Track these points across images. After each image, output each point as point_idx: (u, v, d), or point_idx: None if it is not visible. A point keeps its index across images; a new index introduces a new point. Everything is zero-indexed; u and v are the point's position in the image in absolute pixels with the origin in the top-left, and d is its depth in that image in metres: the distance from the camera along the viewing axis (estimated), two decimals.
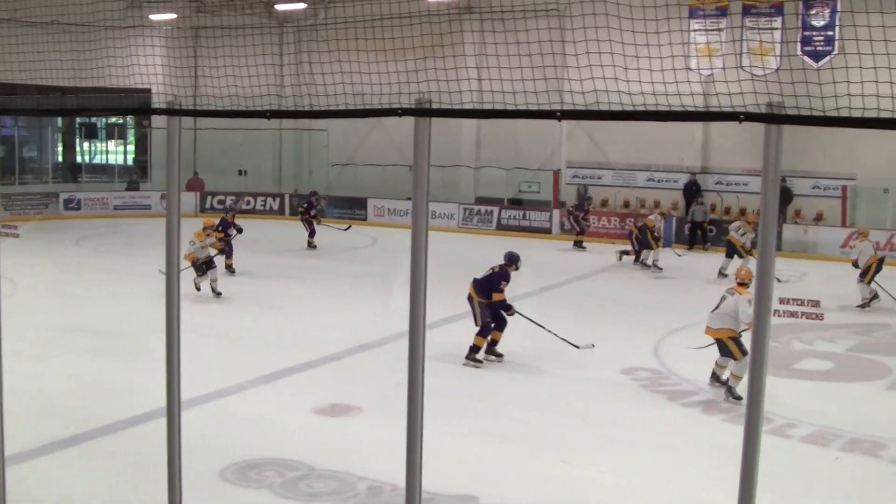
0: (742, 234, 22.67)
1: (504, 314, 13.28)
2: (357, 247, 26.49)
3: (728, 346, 11.48)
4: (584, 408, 11.18)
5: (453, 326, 14.51)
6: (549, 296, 19.05)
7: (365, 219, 33.03)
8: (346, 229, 26.44)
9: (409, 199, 5.68)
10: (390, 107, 5.27)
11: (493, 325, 13.22)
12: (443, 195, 31.45)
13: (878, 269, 19.20)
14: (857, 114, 4.45)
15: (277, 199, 35.36)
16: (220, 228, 19.74)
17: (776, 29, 27.58)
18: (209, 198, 34.36)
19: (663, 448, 9.80)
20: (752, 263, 22.08)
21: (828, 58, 26.48)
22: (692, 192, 30.36)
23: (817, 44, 27.06)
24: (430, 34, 9.31)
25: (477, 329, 13.23)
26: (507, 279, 13.33)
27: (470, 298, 13.39)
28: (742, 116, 4.56)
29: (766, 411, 10.08)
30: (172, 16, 32.83)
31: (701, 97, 6.13)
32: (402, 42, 8.31)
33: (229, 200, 32.67)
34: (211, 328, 14.92)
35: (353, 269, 22.97)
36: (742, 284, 11.58)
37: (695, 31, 27.50)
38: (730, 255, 22.45)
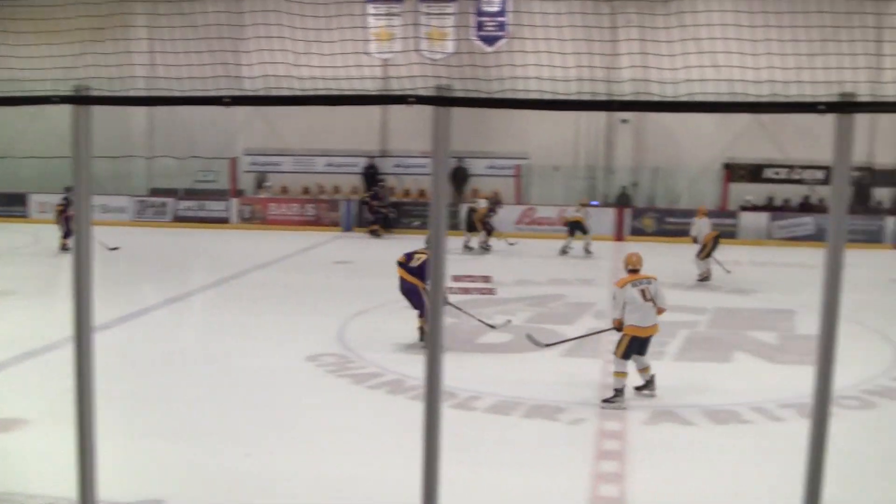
0: (577, 211, 24.87)
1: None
2: (16, 246, 24.94)
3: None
4: (268, 398, 10.98)
5: (125, 327, 14.02)
6: (230, 286, 18.71)
7: (25, 216, 31.25)
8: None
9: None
10: (46, 94, 4.92)
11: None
12: (113, 187, 30.25)
13: (714, 245, 20.30)
14: (522, 96, 4.55)
15: None
16: None
17: (451, 14, 28.34)
18: None
19: (351, 430, 9.78)
20: (593, 246, 22.35)
21: (500, 42, 27.51)
22: (371, 175, 30.83)
23: (490, 29, 28.05)
24: (95, 16, 8.79)
25: (418, 313, 13.45)
26: None
27: (411, 287, 13.47)
28: (411, 99, 4.56)
29: (450, 387, 10.36)
30: None
31: (379, 81, 6.12)
32: (62, 24, 7.80)
33: None
34: None
35: (13, 270, 21.07)
36: (635, 270, 11.00)
37: (372, 15, 27.79)
38: (571, 233, 24.70)
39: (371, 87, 5.46)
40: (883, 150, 29.92)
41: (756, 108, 4.28)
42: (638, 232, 28.52)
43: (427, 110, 4.49)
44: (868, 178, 30.20)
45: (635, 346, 10.71)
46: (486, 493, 8.09)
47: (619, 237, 28.18)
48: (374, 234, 28.37)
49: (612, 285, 11.00)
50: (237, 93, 5.29)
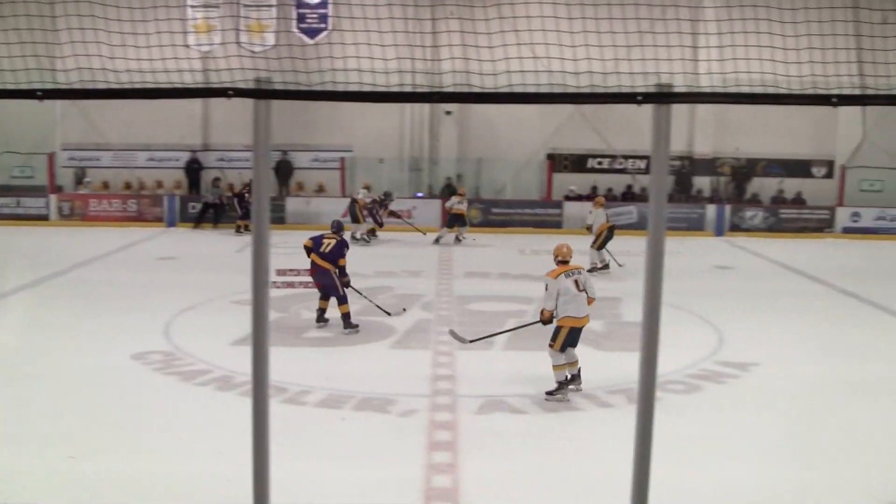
0: (461, 204, 25.44)
1: (340, 278, 14.13)
2: None
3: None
4: (93, 398, 10.60)
5: None
6: (50, 284, 18.00)
7: None
8: None
9: None
10: None
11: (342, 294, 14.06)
12: None
13: (609, 236, 20.35)
14: (343, 88, 4.48)
15: None
16: None
17: (272, 6, 27.98)
18: None
19: (179, 429, 9.54)
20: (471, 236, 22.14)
21: (322, 34, 27.31)
22: (193, 170, 30.26)
23: (311, 21, 27.81)
24: None
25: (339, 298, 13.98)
26: (348, 246, 14.54)
27: (322, 270, 14.03)
28: (230, 92, 4.46)
29: (280, 382, 10.23)
30: None
31: (199, 74, 5.95)
32: None
33: None
34: None
35: None
36: (564, 262, 10.90)
37: (191, 7, 27.16)
38: (451, 225, 25.36)
39: (190, 81, 5.31)
40: (702, 140, 31.10)
41: (576, 99, 4.32)
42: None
43: (249, 103, 4.39)
44: (688, 167, 31.29)
45: (571, 337, 10.68)
46: (319, 488, 7.99)
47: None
48: (244, 229, 27.29)
49: (543, 276, 10.88)
50: (51, 86, 5.08)
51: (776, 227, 29.68)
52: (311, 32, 27.59)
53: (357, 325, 14.06)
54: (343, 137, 30.39)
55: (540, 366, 12.01)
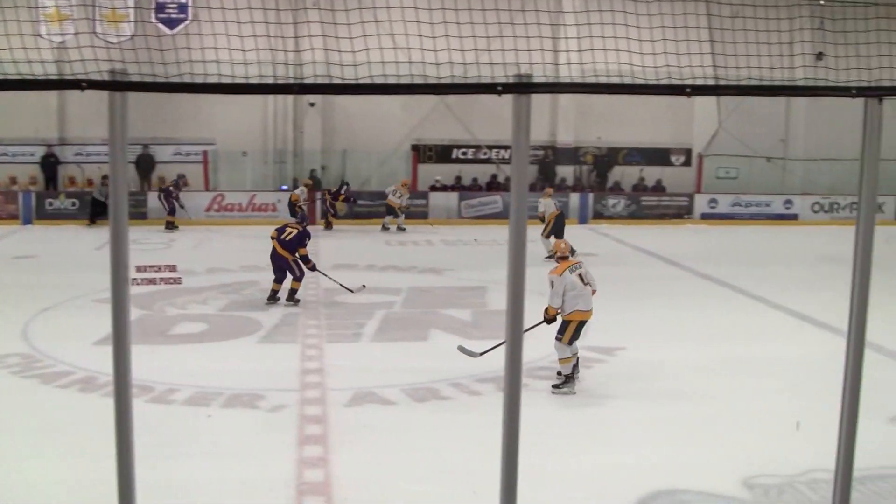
0: (399, 197, 26.74)
1: (304, 266, 15.42)
2: None
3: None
4: None
5: None
6: None
7: None
8: None
9: None
10: None
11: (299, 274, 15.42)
12: None
13: (559, 224, 21.05)
14: (202, 79, 4.41)
15: None
16: None
17: None
18: None
19: (41, 433, 9.25)
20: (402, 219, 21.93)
21: (181, 25, 26.80)
22: (50, 164, 29.39)
23: (171, 11, 27.26)
24: None
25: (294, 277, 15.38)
26: (310, 236, 15.72)
27: (282, 257, 15.22)
28: (84, 84, 4.34)
29: (145, 381, 10.04)
30: None
31: (52, 65, 5.76)
32: None
33: None
34: None
35: None
36: (565, 258, 10.95)
37: None
38: (391, 213, 26.83)
39: (41, 72, 5.14)
40: (565, 130, 31.59)
41: (437, 90, 4.34)
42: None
43: (107, 96, 4.29)
44: (551, 157, 31.75)
45: (579, 330, 10.72)
46: (188, 487, 7.85)
47: (311, 221, 28.05)
48: (171, 226, 26.92)
49: (548, 275, 10.81)
50: None
51: (638, 214, 30.39)
52: (171, 23, 27.02)
53: (299, 300, 15.40)
54: (206, 130, 29.86)
55: (410, 357, 12.06)
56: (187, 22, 26.64)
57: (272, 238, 15.35)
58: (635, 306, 15.72)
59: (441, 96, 25.73)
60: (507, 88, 4.12)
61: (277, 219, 27.25)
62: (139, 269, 14.02)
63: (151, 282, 14.12)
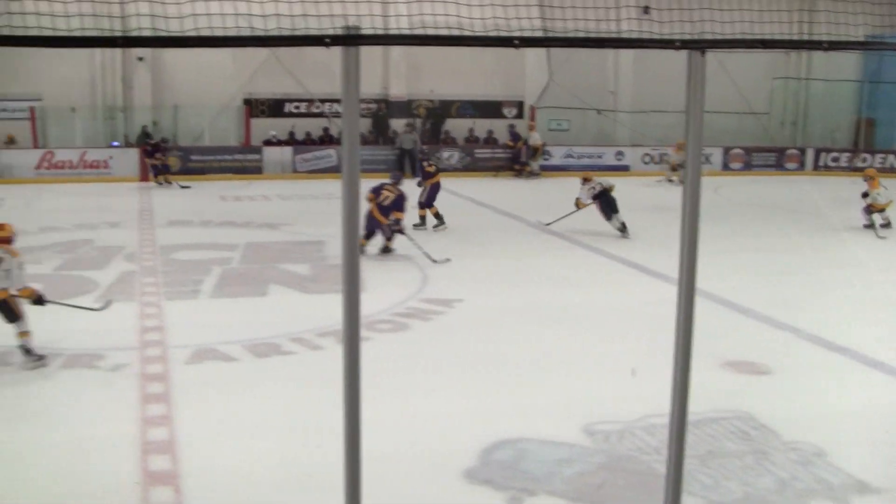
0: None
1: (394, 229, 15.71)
2: None
3: None
4: None
5: None
6: None
7: None
8: None
9: None
10: None
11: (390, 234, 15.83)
12: None
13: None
14: (21, 32, 4.24)
15: None
16: None
17: None
18: None
19: None
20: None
21: None
22: None
23: None
24: None
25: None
26: (407, 198, 15.98)
27: (376, 221, 15.49)
28: None
29: None
30: None
31: None
32: None
33: None
34: None
35: None
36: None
37: None
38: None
39: None
40: (397, 83, 31.58)
41: (265, 42, 4.29)
42: (164, 171, 27.78)
43: None
44: (384, 110, 31.72)
45: None
46: (28, 452, 7.64)
47: (143, 178, 27.34)
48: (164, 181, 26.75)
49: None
50: None
51: (472, 167, 30.67)
52: None
53: (394, 249, 15.92)
54: (31, 86, 28.70)
55: (249, 313, 11.99)
56: None
57: (368, 200, 15.31)
58: (473, 258, 15.95)
59: (272, 50, 25.35)
60: (335, 41, 4.12)
61: (110, 175, 26.73)
62: None
63: None
